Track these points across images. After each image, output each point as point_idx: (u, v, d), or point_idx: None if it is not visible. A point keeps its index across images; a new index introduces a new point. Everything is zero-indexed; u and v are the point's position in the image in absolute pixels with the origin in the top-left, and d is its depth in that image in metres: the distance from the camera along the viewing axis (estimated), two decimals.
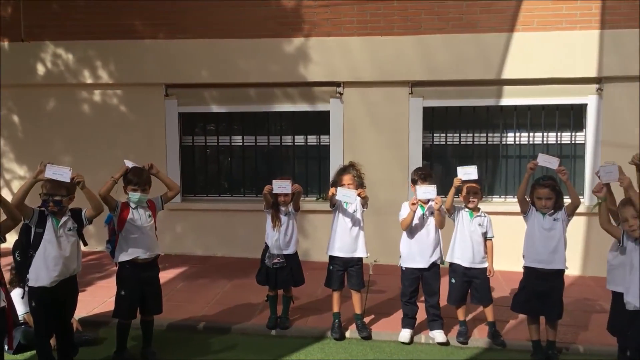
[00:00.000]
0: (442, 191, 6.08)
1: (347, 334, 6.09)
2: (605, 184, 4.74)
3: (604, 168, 4.66)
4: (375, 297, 7.14)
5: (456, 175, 5.67)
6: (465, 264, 5.78)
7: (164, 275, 7.88)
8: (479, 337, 5.99)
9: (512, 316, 6.33)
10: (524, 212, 5.44)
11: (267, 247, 6.14)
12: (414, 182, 5.86)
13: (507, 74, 8.34)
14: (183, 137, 9.33)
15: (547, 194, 5.27)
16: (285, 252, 6.09)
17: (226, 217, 9.12)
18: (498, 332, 5.94)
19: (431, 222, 5.87)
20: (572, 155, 8.58)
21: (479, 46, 8.35)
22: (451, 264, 5.89)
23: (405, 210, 5.90)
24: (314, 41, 8.72)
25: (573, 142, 8.57)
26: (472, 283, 5.84)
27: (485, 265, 5.79)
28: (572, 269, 6.90)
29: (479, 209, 5.83)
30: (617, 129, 8.15)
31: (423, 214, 5.88)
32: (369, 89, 8.74)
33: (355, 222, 5.99)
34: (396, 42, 8.53)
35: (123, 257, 5.26)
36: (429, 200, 5.84)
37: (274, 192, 5.87)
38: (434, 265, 5.88)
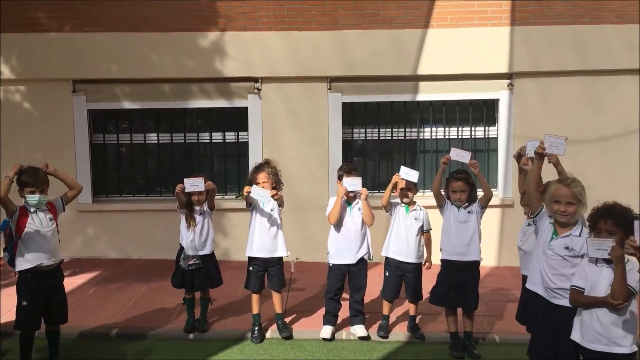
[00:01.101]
0: (368, 187, 6.06)
1: (268, 334, 5.97)
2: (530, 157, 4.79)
3: (532, 143, 4.73)
4: (296, 295, 7.06)
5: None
6: (400, 258, 5.79)
7: (74, 281, 7.51)
8: (400, 331, 6.03)
9: (430, 309, 6.40)
10: (440, 205, 5.49)
11: (181, 249, 5.92)
12: (340, 178, 5.81)
13: (423, 70, 8.45)
14: (93, 135, 8.90)
15: (461, 187, 5.33)
16: (201, 253, 5.89)
17: (141, 218, 8.78)
18: (417, 325, 6.00)
19: (358, 217, 5.83)
20: (485, 149, 8.80)
21: (395, 42, 8.41)
22: (386, 258, 5.89)
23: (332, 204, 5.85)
24: (230, 35, 8.52)
25: (486, 136, 8.79)
26: (405, 277, 5.84)
27: (420, 260, 5.83)
28: (487, 260, 7.08)
29: (414, 203, 5.84)
30: (527, 123, 8.42)
31: (350, 210, 5.84)
32: (288, 85, 8.64)
33: (273, 221, 5.87)
34: (314, 37, 8.46)
35: (24, 265, 4.90)
36: (356, 197, 5.81)
37: (186, 190, 5.65)
38: (361, 260, 5.86)
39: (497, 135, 8.69)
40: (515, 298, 6.78)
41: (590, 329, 3.76)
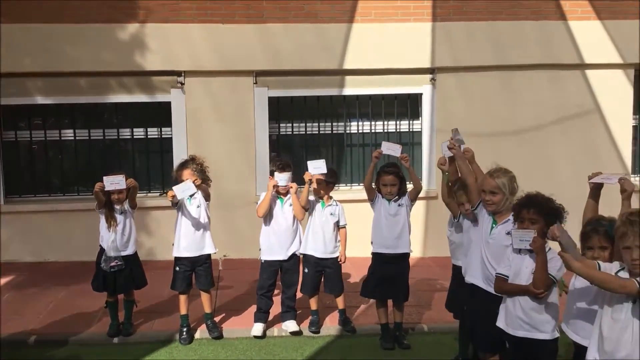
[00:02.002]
0: (296, 182, 5.99)
1: (197, 335, 5.82)
2: (449, 157, 4.87)
3: (445, 143, 4.81)
4: (225, 293, 6.93)
5: (305, 165, 5.64)
6: (318, 254, 5.77)
7: None
8: (331, 325, 6.02)
9: (361, 301, 6.44)
10: (371, 199, 5.52)
11: (102, 250, 5.66)
12: (272, 174, 5.73)
13: (348, 64, 8.47)
14: (4, 132, 8.40)
15: (392, 180, 5.37)
16: (123, 254, 5.66)
17: (58, 218, 8.36)
18: (348, 318, 6.01)
19: (290, 213, 5.78)
20: (410, 142, 8.93)
21: (321, 36, 8.38)
22: (304, 255, 5.86)
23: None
24: (150, 28, 8.24)
25: (411, 130, 8.93)
26: (325, 272, 5.84)
27: (337, 255, 5.82)
28: (413, 251, 7.16)
29: (331, 198, 5.82)
30: (449, 117, 8.57)
31: (282, 206, 5.77)
32: (212, 79, 8.45)
33: (200, 218, 5.71)
34: (238, 31, 8.31)
35: None
36: (287, 192, 5.75)
37: (106, 189, 5.39)
38: (293, 256, 5.80)
39: (421, 129, 8.85)
40: (442, 287, 6.96)
41: (514, 316, 3.86)
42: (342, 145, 8.98)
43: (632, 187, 3.62)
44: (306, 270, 5.85)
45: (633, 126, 8.83)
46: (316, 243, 5.77)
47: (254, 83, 8.49)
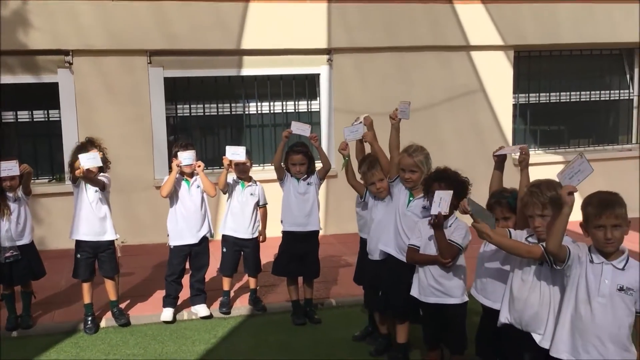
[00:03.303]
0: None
1: (102, 323, 5.63)
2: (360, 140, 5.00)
3: (348, 128, 4.94)
4: (127, 280, 6.71)
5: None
6: (237, 234, 5.76)
7: None
8: (241, 305, 6.04)
9: (270, 280, 6.51)
10: (280, 178, 5.56)
11: None
12: (176, 155, 5.60)
13: (246, 44, 8.41)
14: None
15: (301, 159, 5.45)
16: (19, 243, 5.36)
17: None
18: (259, 298, 6.06)
19: (197, 195, 5.68)
20: (309, 122, 8.95)
21: (217, 15, 8.25)
22: (223, 235, 5.83)
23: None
24: (33, 5, 7.72)
25: (309, 110, 9.05)
26: (243, 252, 5.84)
27: (256, 235, 5.84)
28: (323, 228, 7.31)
29: (250, 178, 5.80)
30: (346, 97, 8.80)
31: (189, 188, 5.67)
32: (103, 58, 8.08)
33: (100, 201, 5.49)
34: (130, 8, 7.99)
35: None
36: (193, 174, 5.65)
37: None
38: (204, 239, 5.74)
39: (319, 109, 8.99)
40: (346, 263, 7.21)
41: (426, 284, 4.09)
42: (242, 126, 8.95)
43: (528, 157, 3.90)
44: (224, 250, 5.83)
45: (513, 104, 9.46)
46: (236, 223, 5.75)
47: (148, 63, 8.23)
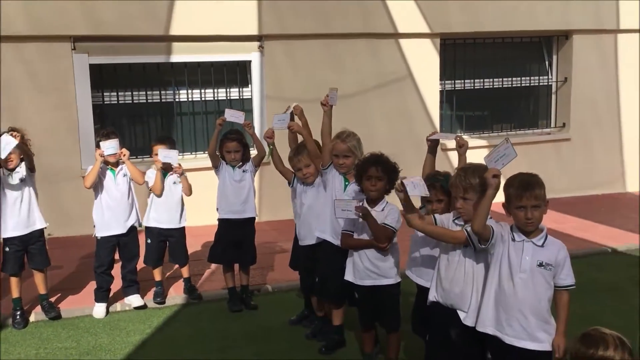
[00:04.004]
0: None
1: (32, 317, 5.49)
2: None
3: (277, 116, 4.98)
4: (57, 273, 6.53)
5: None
6: (162, 225, 5.71)
7: None
8: (176, 295, 6.02)
9: (205, 268, 6.51)
10: (215, 166, 5.55)
11: None
12: (98, 145, 5.47)
13: (175, 30, 8.27)
14: None
15: (235, 147, 5.45)
16: None
17: None
18: (194, 286, 6.04)
19: (124, 184, 5.58)
20: (241, 109, 8.96)
21: (144, 0, 8.06)
22: (147, 227, 5.76)
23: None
24: None
25: (241, 97, 9.01)
26: (169, 242, 5.80)
27: (182, 224, 5.80)
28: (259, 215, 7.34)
29: (171, 167, 5.74)
30: (278, 84, 8.82)
31: (114, 177, 5.56)
32: (24, 45, 7.77)
33: (25, 192, 5.32)
34: None
35: None
36: (118, 163, 5.55)
37: None
38: (132, 229, 5.65)
39: (251, 96, 8.97)
40: (281, 249, 7.28)
41: (361, 267, 4.20)
42: (172, 114, 8.82)
43: (466, 143, 4.09)
44: (149, 241, 5.76)
45: (440, 91, 9.74)
46: (159, 213, 5.70)
47: (72, 49, 7.97)
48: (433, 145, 4.18)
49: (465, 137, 9.93)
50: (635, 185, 10.47)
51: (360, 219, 3.97)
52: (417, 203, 4.05)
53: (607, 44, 10.22)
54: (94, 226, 5.65)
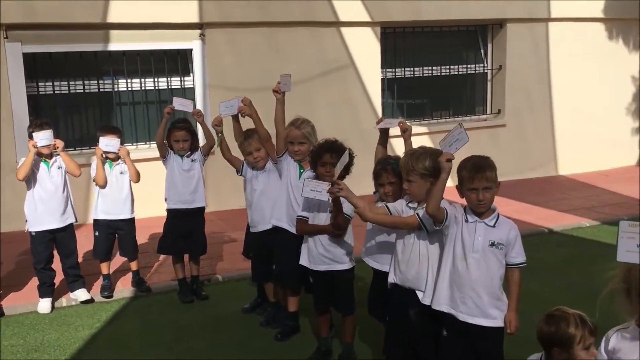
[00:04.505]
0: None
1: None
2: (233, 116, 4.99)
3: (223, 103, 4.92)
4: None
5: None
6: (110, 217, 5.59)
7: None
8: (124, 288, 5.91)
9: (153, 260, 6.41)
10: (163, 156, 5.45)
11: None
12: (30, 136, 5.28)
13: (112, 18, 8.04)
14: None
15: (184, 136, 5.38)
16: None
17: None
18: (142, 278, 5.95)
19: (58, 177, 5.40)
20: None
21: None
22: (95, 219, 5.64)
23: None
24: None
25: (183, 86, 8.86)
26: (118, 235, 5.69)
27: (132, 216, 5.69)
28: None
29: (118, 158, 5.59)
30: (220, 73, 8.73)
31: (48, 169, 5.37)
32: None
33: None
34: None
35: None
36: (52, 155, 5.37)
37: None
38: (69, 224, 5.49)
39: (194, 85, 8.84)
40: (230, 239, 7.27)
41: (316, 252, 4.24)
42: (111, 104, 8.60)
43: (410, 128, 4.18)
44: (97, 234, 5.63)
45: (381, 79, 9.87)
46: (107, 205, 5.57)
47: (4, 37, 7.64)
48: (383, 133, 4.26)
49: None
50: (567, 168, 10.97)
51: (330, 199, 3.96)
52: (371, 189, 4.14)
53: (539, 32, 10.61)
54: (26, 221, 5.44)
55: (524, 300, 3.39)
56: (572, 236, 7.40)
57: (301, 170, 4.50)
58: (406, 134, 4.09)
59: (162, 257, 6.43)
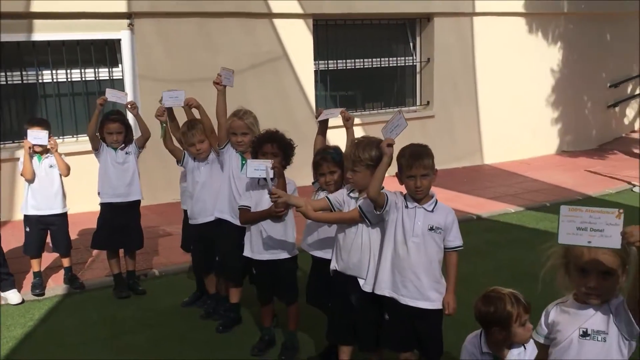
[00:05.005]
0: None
1: None
2: (167, 107, 4.90)
3: (167, 93, 4.83)
4: None
5: None
6: (40, 212, 5.41)
7: None
8: (56, 285, 5.74)
9: (86, 256, 6.25)
10: (95, 148, 5.30)
11: None
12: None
13: (36, 7, 7.72)
14: None
15: (117, 128, 5.26)
16: None
17: None
18: (75, 275, 5.79)
19: None
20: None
21: None
22: (25, 215, 5.45)
23: None
24: None
25: (111, 77, 8.62)
26: (50, 230, 5.52)
27: (63, 210, 5.52)
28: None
29: (47, 150, 5.40)
30: (151, 64, 8.54)
31: None
32: None
33: None
34: None
35: None
36: None
37: None
38: None
39: (122, 76, 8.62)
40: (165, 232, 7.17)
41: (259, 242, 4.24)
42: (36, 96, 8.27)
43: (352, 117, 4.27)
44: (28, 230, 5.44)
45: (314, 71, 9.94)
46: (37, 200, 5.38)
47: None
48: (323, 126, 4.32)
49: (339, 116, 10.28)
50: (492, 157, 11.41)
51: (271, 177, 3.98)
52: (307, 179, 4.20)
53: (465, 26, 10.96)
54: None
55: (458, 283, 3.54)
56: (499, 222, 7.73)
57: (243, 162, 4.50)
58: (349, 122, 4.17)
59: (95, 252, 6.27)
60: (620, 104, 13.08)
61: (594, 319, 2.44)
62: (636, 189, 8.99)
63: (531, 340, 3.10)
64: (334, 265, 3.79)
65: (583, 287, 2.44)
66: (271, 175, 3.93)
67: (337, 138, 4.40)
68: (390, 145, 3.35)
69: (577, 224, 2.25)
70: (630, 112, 13.46)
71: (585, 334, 2.44)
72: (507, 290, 3.17)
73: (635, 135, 13.21)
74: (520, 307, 3.08)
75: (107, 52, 8.57)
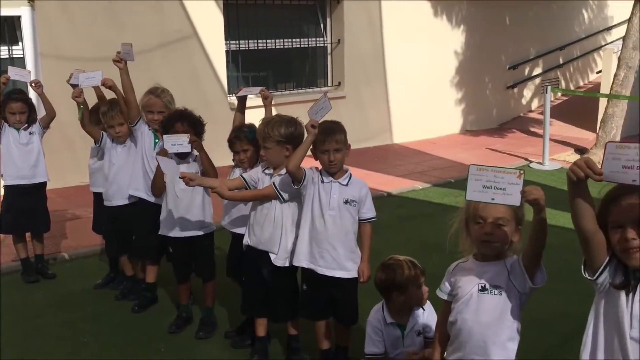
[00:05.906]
0: None
1: None
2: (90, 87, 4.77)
3: (84, 74, 4.69)
4: None
5: None
6: None
7: None
8: None
9: None
10: None
11: None
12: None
13: None
14: None
15: (20, 108, 5.06)
16: None
17: None
18: None
19: None
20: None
21: None
22: None
23: None
24: None
25: (11, 56, 8.19)
26: None
27: None
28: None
29: None
30: (54, 42, 8.19)
31: None
32: None
33: None
34: None
35: None
36: None
37: None
38: None
39: (23, 54, 8.20)
40: (73, 216, 6.98)
41: (175, 219, 4.22)
42: None
43: (271, 96, 4.34)
44: None
45: (225, 51, 9.86)
46: None
47: None
48: (242, 104, 4.35)
49: (252, 96, 10.26)
50: (400, 136, 11.78)
51: (194, 150, 3.96)
52: (222, 159, 4.23)
53: (373, 8, 11.19)
54: None
55: (371, 255, 3.71)
56: (408, 198, 8.05)
57: (156, 140, 4.46)
58: (267, 100, 4.24)
59: (1, 236, 6.00)
60: (518, 85, 13.82)
61: (491, 274, 2.66)
62: (533, 165, 9.60)
63: (428, 302, 3.37)
64: (246, 240, 3.85)
65: (481, 236, 2.63)
66: (189, 149, 3.95)
67: (256, 117, 4.44)
68: (315, 126, 3.44)
69: (483, 182, 2.41)
70: (527, 92, 14.26)
71: (483, 289, 2.65)
72: (403, 257, 3.42)
73: (532, 115, 14.02)
74: (417, 270, 3.34)
75: (7, 29, 8.11)
